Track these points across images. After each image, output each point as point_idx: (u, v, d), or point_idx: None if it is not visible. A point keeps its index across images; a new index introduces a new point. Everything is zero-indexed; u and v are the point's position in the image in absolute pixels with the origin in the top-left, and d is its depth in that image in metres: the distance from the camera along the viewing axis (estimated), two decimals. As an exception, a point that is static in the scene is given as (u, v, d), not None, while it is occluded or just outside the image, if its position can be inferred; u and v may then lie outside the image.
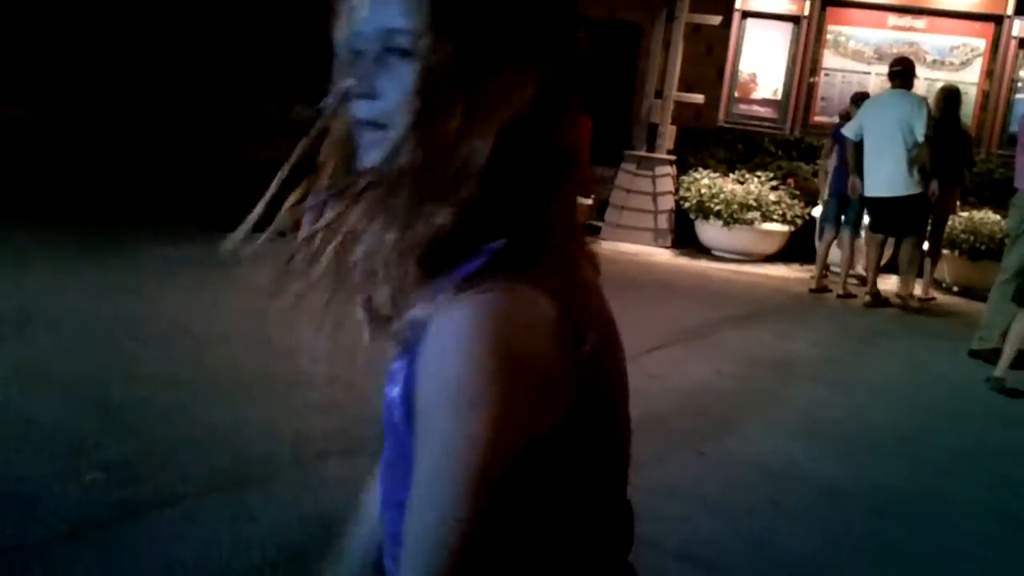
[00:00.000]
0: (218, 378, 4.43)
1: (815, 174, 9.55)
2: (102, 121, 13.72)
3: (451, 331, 0.82)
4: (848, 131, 8.03)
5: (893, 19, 10.80)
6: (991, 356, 5.88)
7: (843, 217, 8.41)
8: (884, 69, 10.68)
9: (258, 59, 14.47)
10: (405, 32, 0.87)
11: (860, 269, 8.84)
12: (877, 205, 7.97)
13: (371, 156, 0.91)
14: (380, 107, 0.90)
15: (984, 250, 8.97)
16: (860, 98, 8.70)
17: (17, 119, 13.70)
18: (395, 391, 0.90)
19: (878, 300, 8.10)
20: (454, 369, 0.82)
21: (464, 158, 0.86)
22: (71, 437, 3.63)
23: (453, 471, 0.82)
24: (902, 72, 8.02)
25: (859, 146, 7.97)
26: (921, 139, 7.65)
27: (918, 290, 8.39)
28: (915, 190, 7.79)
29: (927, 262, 8.52)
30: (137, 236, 7.37)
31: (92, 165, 10.61)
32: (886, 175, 7.80)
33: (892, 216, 7.97)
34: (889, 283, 8.98)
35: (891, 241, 8.52)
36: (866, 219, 8.33)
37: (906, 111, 7.73)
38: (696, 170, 10.18)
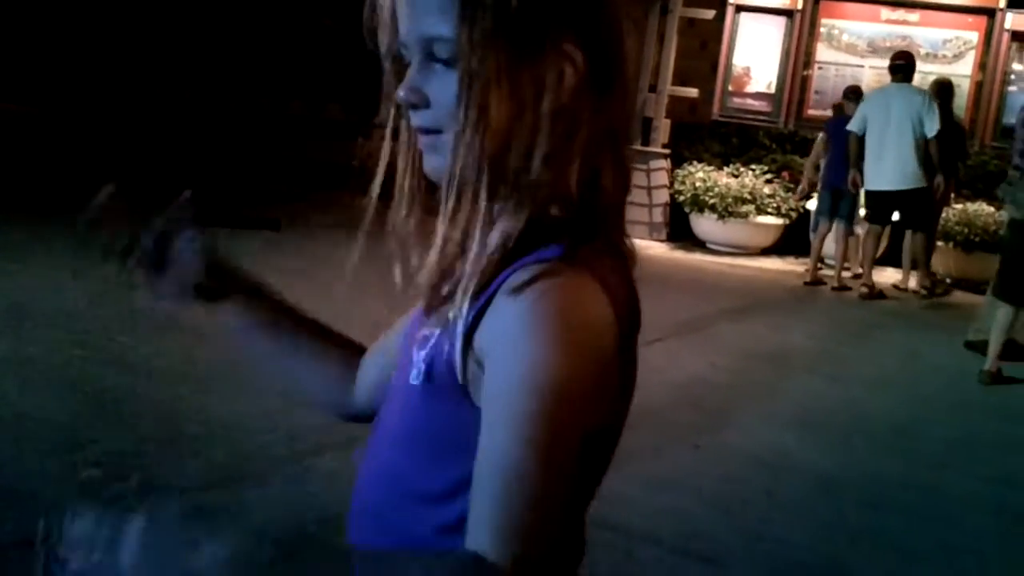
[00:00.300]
0: (213, 373, 4.43)
1: (817, 168, 9.56)
2: (96, 115, 13.67)
3: (529, 319, 0.84)
4: (853, 125, 8.03)
5: (886, 12, 10.81)
6: (987, 348, 5.92)
7: (838, 210, 8.41)
8: (878, 63, 10.71)
9: (252, 52, 14.43)
10: (443, 39, 0.88)
11: (857, 266, 8.83)
12: (880, 198, 7.98)
13: (432, 161, 0.93)
14: (432, 114, 0.91)
15: (978, 242, 8.99)
16: (852, 92, 8.69)
17: (12, 114, 13.66)
18: (422, 354, 0.93)
19: (873, 292, 8.12)
20: (531, 359, 0.83)
21: (522, 153, 0.88)
22: (68, 432, 3.62)
23: (525, 456, 0.82)
24: (905, 66, 8.04)
25: (860, 140, 7.98)
26: (931, 134, 7.70)
27: (912, 282, 8.41)
28: (921, 184, 7.84)
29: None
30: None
31: (85, 159, 10.58)
32: (891, 169, 7.81)
33: (895, 210, 7.99)
34: (883, 276, 8.99)
35: (886, 234, 8.55)
36: (861, 212, 8.35)
37: (916, 106, 7.77)
38: (691, 164, 10.18)
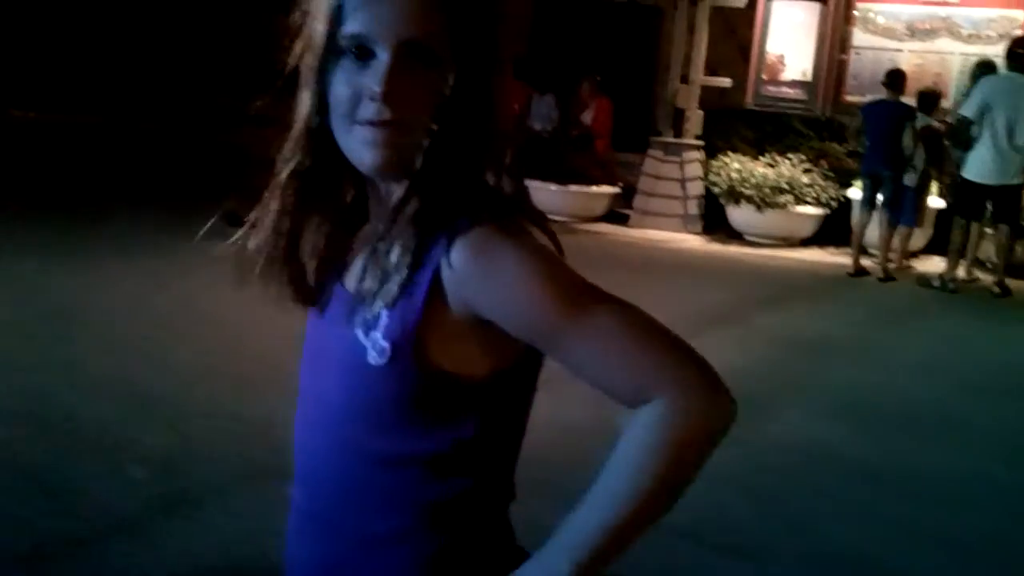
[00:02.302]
0: (251, 370, 4.46)
1: (849, 154, 9.41)
2: (133, 120, 13.85)
3: (503, 260, 0.95)
4: (967, 110, 7.79)
5: (923, -7, 10.62)
6: None
7: (879, 198, 8.28)
8: (917, 45, 10.54)
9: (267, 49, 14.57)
10: (431, 38, 0.97)
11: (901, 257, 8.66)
12: (978, 191, 7.77)
13: (374, 154, 0.99)
14: (399, 108, 0.97)
15: (1025, 227, 8.80)
16: (893, 77, 8.49)
17: (53, 123, 13.89)
18: (375, 335, 0.99)
19: (963, 284, 7.97)
20: (532, 276, 0.95)
21: (476, 144, 1.00)
22: (112, 432, 3.68)
23: (613, 315, 0.96)
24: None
25: (969, 126, 7.78)
26: None
27: (962, 272, 8.21)
28: (1021, 179, 7.73)
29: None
30: (171, 233, 7.43)
31: (125, 166, 10.71)
32: (1006, 162, 7.62)
33: (993, 203, 7.80)
34: (930, 264, 8.86)
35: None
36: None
37: None
38: (725, 154, 10.07)
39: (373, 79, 0.96)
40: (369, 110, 0.97)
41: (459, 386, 1.00)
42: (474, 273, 0.95)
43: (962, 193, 7.96)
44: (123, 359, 4.52)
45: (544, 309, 0.94)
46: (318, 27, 1.00)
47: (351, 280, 1.05)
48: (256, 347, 4.81)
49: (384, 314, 0.98)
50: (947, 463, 4.18)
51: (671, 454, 0.94)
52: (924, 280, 8.19)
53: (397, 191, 1.01)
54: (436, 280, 0.97)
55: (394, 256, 0.98)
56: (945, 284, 7.95)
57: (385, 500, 1.03)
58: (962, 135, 7.79)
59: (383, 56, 0.96)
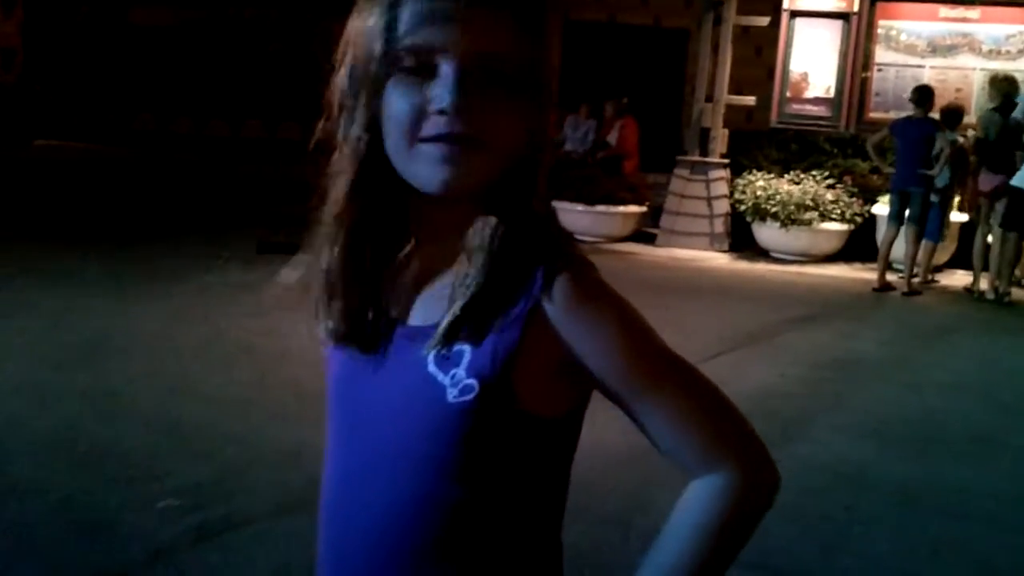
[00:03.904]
0: (283, 399, 4.49)
1: (872, 171, 9.38)
2: (158, 151, 14.03)
3: (598, 307, 0.95)
4: (1019, 112, 7.85)
5: (945, 10, 10.62)
6: None
7: (906, 213, 8.23)
8: (938, 62, 10.54)
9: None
10: (507, 58, 0.93)
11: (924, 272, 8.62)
12: None
13: (448, 171, 0.92)
14: (473, 125, 0.91)
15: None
16: (921, 93, 8.42)
17: (90, 154, 14.08)
18: (457, 371, 0.93)
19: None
20: (624, 331, 0.95)
21: (534, 165, 0.98)
22: (145, 463, 3.70)
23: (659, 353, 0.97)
24: None
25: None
26: None
27: (984, 284, 8.17)
28: None
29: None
30: (199, 263, 7.50)
31: (151, 196, 10.84)
32: None
33: None
34: (953, 279, 8.79)
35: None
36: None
37: None
38: (751, 172, 10.07)
39: (440, 91, 0.90)
40: (436, 125, 0.91)
41: (537, 426, 0.96)
42: (578, 317, 0.93)
43: (1014, 204, 7.88)
44: (154, 389, 4.56)
45: (634, 368, 0.95)
46: (372, 44, 0.93)
47: (416, 314, 0.99)
48: (287, 376, 4.84)
49: (468, 350, 0.94)
50: (979, 481, 4.13)
51: (728, 531, 0.98)
52: (979, 295, 8.10)
53: (465, 219, 0.95)
54: (533, 316, 0.93)
55: (482, 288, 0.93)
56: (1000, 297, 7.92)
57: (439, 550, 0.97)
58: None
59: (447, 68, 0.91)
